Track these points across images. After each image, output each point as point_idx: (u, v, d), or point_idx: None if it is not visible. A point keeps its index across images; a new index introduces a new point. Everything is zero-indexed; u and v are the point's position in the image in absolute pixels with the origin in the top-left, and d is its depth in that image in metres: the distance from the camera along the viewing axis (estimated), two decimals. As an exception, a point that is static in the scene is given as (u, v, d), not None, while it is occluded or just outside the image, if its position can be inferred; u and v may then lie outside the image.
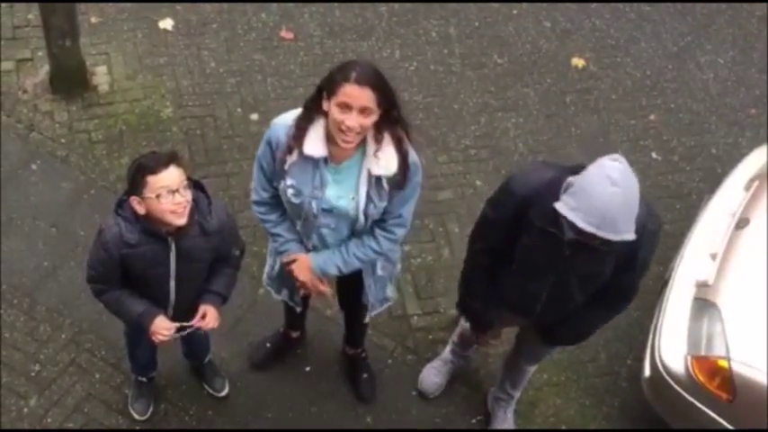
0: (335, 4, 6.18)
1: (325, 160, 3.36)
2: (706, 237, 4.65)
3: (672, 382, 4.23)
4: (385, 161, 3.32)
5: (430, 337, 4.88)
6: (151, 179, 3.23)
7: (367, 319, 4.09)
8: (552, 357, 4.41)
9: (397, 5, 6.25)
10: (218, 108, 5.58)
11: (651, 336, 4.46)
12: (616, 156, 3.03)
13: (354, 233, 3.58)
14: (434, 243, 5.15)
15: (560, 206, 3.04)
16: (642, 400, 4.54)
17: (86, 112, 5.42)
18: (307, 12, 6.13)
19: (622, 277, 3.40)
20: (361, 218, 3.45)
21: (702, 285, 4.37)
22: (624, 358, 4.93)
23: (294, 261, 3.66)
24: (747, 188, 4.79)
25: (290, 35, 6.00)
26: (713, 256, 4.46)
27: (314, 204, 3.43)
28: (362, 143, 3.32)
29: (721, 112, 6.08)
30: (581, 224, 2.98)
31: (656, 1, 6.60)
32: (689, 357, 4.18)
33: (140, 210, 3.31)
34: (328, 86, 3.21)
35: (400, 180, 3.37)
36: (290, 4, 6.14)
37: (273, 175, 3.49)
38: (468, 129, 5.72)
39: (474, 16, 6.31)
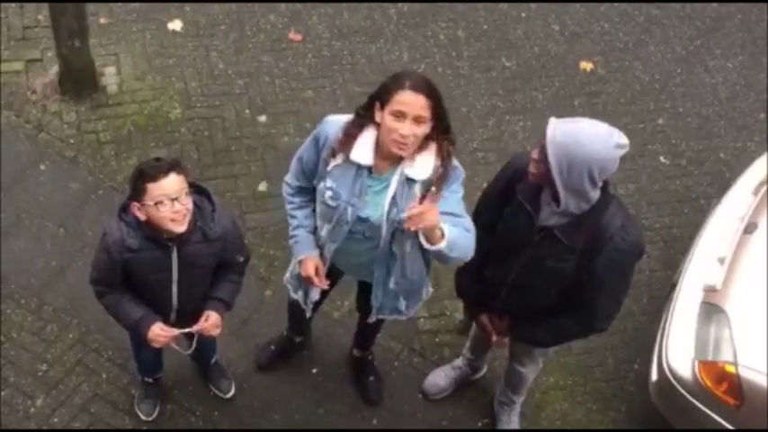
0: (344, 6, 6.18)
1: (369, 170, 3.35)
2: (714, 241, 4.64)
3: (679, 387, 4.22)
4: (420, 165, 3.31)
5: (436, 339, 4.88)
6: (151, 186, 3.24)
7: (372, 319, 4.06)
8: (547, 361, 4.36)
9: (405, 8, 6.25)
10: (226, 109, 5.58)
11: (658, 340, 4.45)
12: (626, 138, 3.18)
13: (385, 246, 3.51)
14: (442, 246, 5.15)
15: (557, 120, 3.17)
16: (649, 404, 4.52)
17: (95, 113, 5.43)
18: (315, 14, 6.13)
19: (589, 292, 3.39)
20: (384, 224, 3.40)
21: (710, 290, 4.36)
22: (631, 362, 4.92)
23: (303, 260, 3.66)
24: (756, 192, 4.78)
25: (298, 37, 6.01)
26: (721, 261, 4.45)
27: (349, 211, 3.41)
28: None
29: (730, 116, 6.06)
30: (552, 120, 3.12)
31: (665, 1, 6.59)
32: (696, 362, 4.16)
33: (141, 216, 3.32)
34: (382, 96, 3.22)
35: (437, 180, 3.30)
36: (299, 6, 6.14)
37: (312, 172, 3.49)
38: (476, 132, 5.71)
39: (482, 19, 6.30)
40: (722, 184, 5.39)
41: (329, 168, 3.39)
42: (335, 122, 3.40)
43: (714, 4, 6.65)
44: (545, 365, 4.44)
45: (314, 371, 4.69)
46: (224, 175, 5.28)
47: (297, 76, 5.80)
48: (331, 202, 3.42)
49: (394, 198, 3.36)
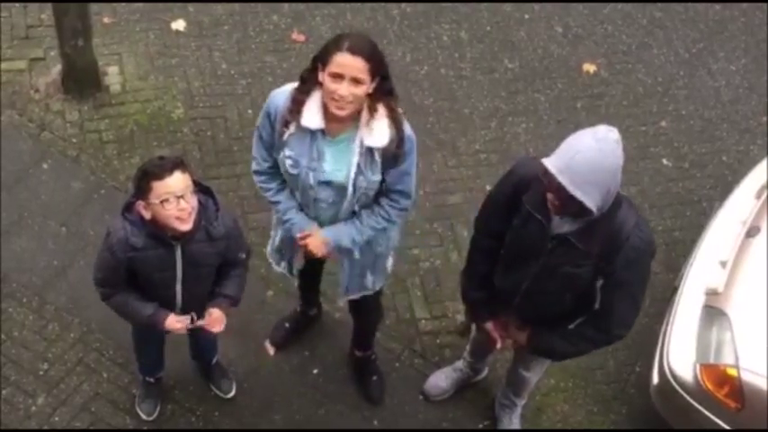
0: (347, 6, 6.18)
1: (323, 132, 3.41)
2: (716, 244, 4.63)
3: (680, 390, 4.21)
4: (378, 132, 3.37)
5: (437, 340, 4.87)
6: (156, 185, 3.24)
7: (341, 302, 4.14)
8: (549, 365, 4.34)
9: (408, 9, 6.25)
10: (228, 109, 5.59)
11: (660, 343, 4.45)
12: (613, 127, 3.06)
13: (350, 207, 3.60)
14: (443, 247, 5.15)
15: (545, 159, 3.08)
16: (650, 407, 4.52)
17: (98, 112, 5.44)
18: (318, 14, 6.13)
19: (608, 296, 3.37)
20: (350, 188, 3.49)
21: (712, 293, 4.35)
22: (632, 365, 4.91)
23: (308, 236, 3.69)
24: (758, 196, 4.77)
25: (301, 37, 6.01)
26: (723, 264, 4.44)
27: (311, 176, 3.48)
28: (358, 115, 3.37)
29: (733, 119, 6.06)
30: (548, 164, 3.03)
31: (669, 0, 6.59)
32: (698, 365, 4.16)
33: (146, 214, 3.33)
34: (322, 57, 3.28)
35: (397, 154, 3.42)
36: (302, 7, 6.14)
37: (272, 146, 3.55)
38: (478, 133, 5.71)
39: (485, 21, 6.30)
40: (724, 188, 5.39)
41: (285, 138, 3.45)
42: (282, 93, 3.46)
43: (717, 7, 6.64)
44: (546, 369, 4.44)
45: (315, 371, 4.69)
46: (226, 175, 5.28)
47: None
48: (292, 171, 3.50)
49: (359, 166, 3.44)
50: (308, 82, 3.38)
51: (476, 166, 5.55)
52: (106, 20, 5.85)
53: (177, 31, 5.90)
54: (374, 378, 4.63)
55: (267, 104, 3.50)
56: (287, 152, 3.47)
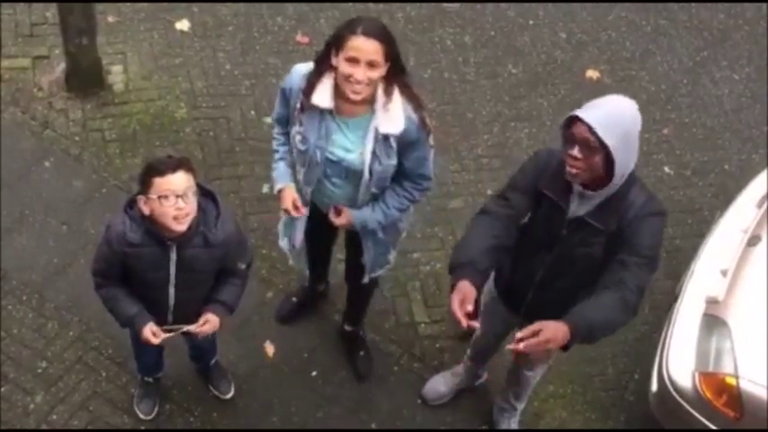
0: (352, 9, 6.18)
1: (331, 112, 3.47)
2: (717, 253, 4.63)
3: (679, 398, 4.21)
4: (394, 117, 3.43)
5: (437, 345, 4.87)
6: (157, 181, 3.25)
7: (365, 280, 4.18)
8: (551, 364, 4.33)
9: (413, 12, 6.26)
10: (231, 110, 5.59)
11: (659, 351, 4.44)
12: None
13: (367, 191, 3.66)
14: (444, 251, 5.14)
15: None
16: (649, 415, 4.52)
17: (101, 111, 5.44)
18: (323, 16, 6.14)
19: (627, 267, 3.21)
20: (366, 174, 3.56)
21: (712, 301, 4.35)
22: (631, 372, 4.91)
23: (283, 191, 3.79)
24: (760, 205, 4.77)
25: (305, 39, 6.01)
26: (724, 273, 4.44)
27: (318, 153, 3.55)
28: (373, 99, 3.42)
29: (735, 128, 6.06)
30: (576, 112, 3.16)
31: (676, 1, 6.59)
32: (697, 373, 4.16)
33: (145, 210, 3.33)
34: (336, 41, 3.33)
35: (420, 127, 3.49)
36: (306, 9, 6.15)
37: (287, 119, 3.66)
38: (480, 138, 5.71)
39: (489, 25, 6.31)
40: (726, 196, 5.39)
41: (296, 115, 3.52)
42: (299, 72, 3.54)
43: (721, 16, 6.65)
44: (545, 372, 4.43)
45: (313, 373, 4.68)
46: (228, 176, 5.28)
47: (303, 78, 5.80)
48: (301, 146, 3.57)
49: (374, 152, 3.50)
50: (322, 65, 3.42)
51: (478, 170, 5.55)
52: (111, 19, 5.86)
53: (181, 32, 5.91)
54: (362, 353, 4.68)
55: (286, 79, 3.58)
56: (297, 128, 3.54)
